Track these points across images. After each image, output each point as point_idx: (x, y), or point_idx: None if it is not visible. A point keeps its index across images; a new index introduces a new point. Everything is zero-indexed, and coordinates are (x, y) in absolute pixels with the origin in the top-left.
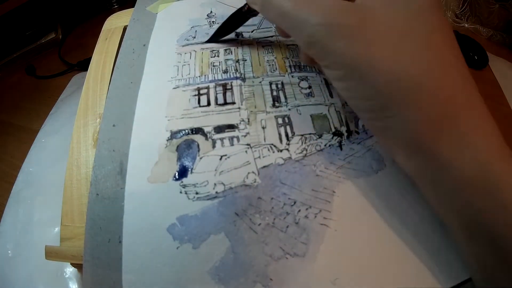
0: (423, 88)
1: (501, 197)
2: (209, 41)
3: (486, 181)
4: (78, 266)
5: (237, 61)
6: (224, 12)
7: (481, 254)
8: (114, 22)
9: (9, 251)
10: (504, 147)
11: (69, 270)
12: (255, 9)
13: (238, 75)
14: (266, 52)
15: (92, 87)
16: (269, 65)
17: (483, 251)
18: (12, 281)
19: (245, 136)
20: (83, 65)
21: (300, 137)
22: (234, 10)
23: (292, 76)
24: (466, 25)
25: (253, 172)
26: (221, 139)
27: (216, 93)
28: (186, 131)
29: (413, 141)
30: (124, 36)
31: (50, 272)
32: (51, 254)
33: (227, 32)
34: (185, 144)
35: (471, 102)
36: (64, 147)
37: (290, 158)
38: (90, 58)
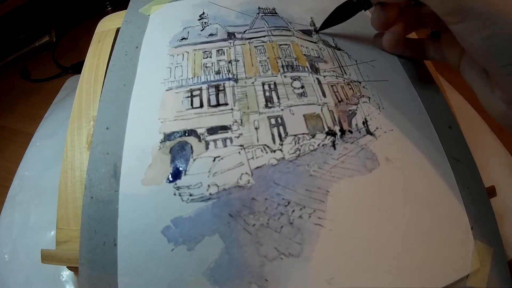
0: None
1: None
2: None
3: None
4: (74, 269)
5: (230, 61)
6: (216, 13)
7: None
8: (107, 24)
9: (5, 255)
10: None
11: (66, 273)
12: None
13: (230, 76)
14: (259, 53)
15: (86, 90)
16: (262, 65)
17: None
18: (9, 285)
19: (238, 137)
20: (77, 68)
21: (293, 137)
22: (226, 10)
23: (285, 76)
24: None
25: (246, 173)
26: (214, 141)
27: (209, 95)
28: (179, 133)
29: None
30: (117, 39)
31: (46, 276)
32: (47, 257)
33: (334, 23)
34: (179, 146)
35: None
36: (59, 150)
37: (283, 158)
38: (84, 60)
